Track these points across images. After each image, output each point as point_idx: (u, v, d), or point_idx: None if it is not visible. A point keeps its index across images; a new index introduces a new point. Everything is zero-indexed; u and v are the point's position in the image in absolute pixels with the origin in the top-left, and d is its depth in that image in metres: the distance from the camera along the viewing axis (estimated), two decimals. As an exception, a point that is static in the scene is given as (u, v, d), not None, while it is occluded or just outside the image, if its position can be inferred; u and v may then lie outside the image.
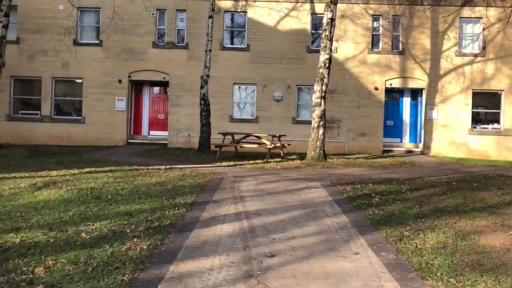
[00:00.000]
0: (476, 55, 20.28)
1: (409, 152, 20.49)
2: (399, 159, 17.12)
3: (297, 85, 20.47)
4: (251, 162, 14.03)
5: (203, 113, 16.29)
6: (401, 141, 21.38)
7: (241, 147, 15.54)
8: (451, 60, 20.30)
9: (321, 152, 14.90)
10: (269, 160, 14.38)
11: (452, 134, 20.19)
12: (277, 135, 14.96)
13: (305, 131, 19.67)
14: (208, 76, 16.57)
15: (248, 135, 15.38)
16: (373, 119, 20.32)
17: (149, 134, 21.37)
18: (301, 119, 20.54)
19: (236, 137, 15.84)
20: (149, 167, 11.87)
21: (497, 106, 20.47)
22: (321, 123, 14.97)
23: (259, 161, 14.35)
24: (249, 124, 20.39)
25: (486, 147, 20.04)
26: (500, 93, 20.26)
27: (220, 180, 9.87)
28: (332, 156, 16.47)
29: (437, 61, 20.34)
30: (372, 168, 14.04)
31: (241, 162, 13.85)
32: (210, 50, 16.79)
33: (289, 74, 20.34)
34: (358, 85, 20.39)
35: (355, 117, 20.33)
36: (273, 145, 14.36)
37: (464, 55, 20.33)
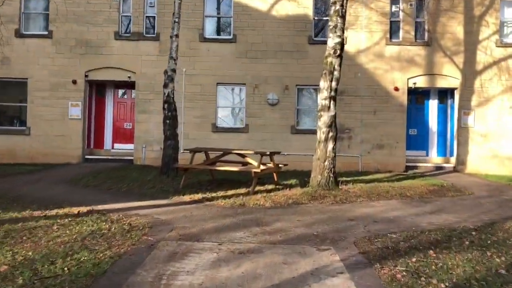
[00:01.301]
0: (522, 46, 15.52)
1: (439, 168, 15.65)
2: (432, 181, 12.30)
3: (296, 86, 15.70)
4: (229, 193, 9.24)
5: (167, 121, 11.47)
6: (427, 155, 16.55)
7: (214, 170, 10.72)
8: (491, 52, 15.50)
9: (331, 175, 10.09)
10: (256, 189, 9.60)
11: (494, 146, 15.36)
12: (269, 152, 10.12)
13: (307, 143, 14.92)
14: (174, 71, 11.75)
15: (225, 152, 10.54)
16: (392, 127, 15.52)
17: (113, 148, 16.58)
18: (302, 127, 15.75)
19: (212, 154, 11.03)
20: (59, 210, 7.10)
21: (550, 109, 15.67)
22: (331, 134, 10.18)
23: (242, 190, 9.57)
24: (237, 135, 15.61)
25: (537, 161, 15.24)
26: (554, 93, 15.47)
27: (146, 252, 4.97)
28: (345, 179, 11.68)
29: (473, 53, 15.55)
30: (407, 200, 9.21)
31: (213, 194, 9.04)
32: (177, 36, 12.00)
33: (287, 72, 15.58)
34: (374, 84, 15.61)
35: (370, 125, 15.54)
36: (261, 167, 9.50)
37: (507, 45, 15.53)
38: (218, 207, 7.81)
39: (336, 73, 10.26)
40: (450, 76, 15.53)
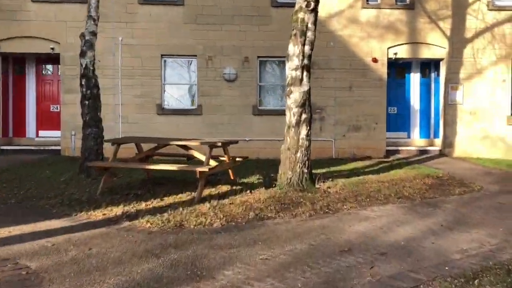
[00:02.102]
0: (517, 9, 13.24)
1: (423, 152, 13.34)
2: (424, 170, 9.91)
3: (258, 57, 12.92)
4: (165, 201, 6.46)
5: (86, 102, 8.41)
6: (409, 137, 14.20)
7: (144, 169, 7.88)
8: (483, 16, 13.15)
9: (305, 171, 7.46)
10: (205, 194, 6.87)
11: (485, 125, 13.14)
12: (220, 142, 7.31)
13: (272, 126, 12.33)
14: (94, 34, 8.65)
15: (160, 144, 7.62)
16: (371, 105, 13.03)
17: (37, 136, 13.37)
18: (266, 107, 13.06)
19: (146, 146, 8.14)
20: None
21: (546, 82, 13.55)
22: (304, 116, 7.51)
23: (185, 196, 6.82)
24: (188, 118, 12.75)
25: (532, 142, 13.16)
26: (550, 63, 13.34)
27: None
28: (320, 171, 9.11)
29: (462, 18, 13.17)
30: (407, 203, 6.67)
31: (141, 206, 6.21)
32: (97, -13, 8.91)
33: (246, 41, 12.77)
34: (348, 55, 13.02)
35: (344, 103, 12.99)
36: (211, 164, 6.71)
37: (501, 8, 13.19)
38: (141, 232, 5.02)
39: (310, 34, 7.54)
40: (435, 45, 13.10)
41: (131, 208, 6.09)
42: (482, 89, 13.07)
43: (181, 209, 5.95)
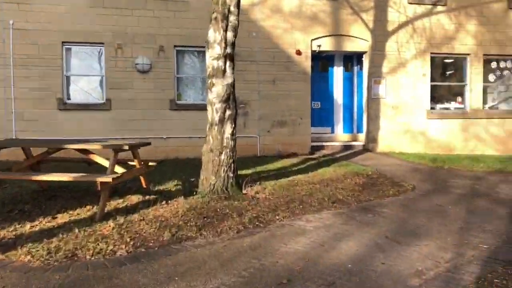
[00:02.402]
0: (434, 3, 13.19)
1: (347, 147, 12.96)
2: (352, 167, 9.37)
3: (175, 46, 11.69)
4: (59, 219, 5.15)
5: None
6: (333, 132, 13.78)
7: (30, 180, 6.47)
8: (404, 9, 12.99)
9: (231, 175, 6.49)
10: (110, 208, 5.65)
11: (406, 119, 13.04)
12: (127, 146, 6.04)
13: (193, 122, 11.28)
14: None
15: (51, 149, 6.18)
16: (295, 99, 12.37)
17: None
18: (185, 102, 11.89)
19: (34, 151, 6.65)
20: None
21: (461, 77, 13.74)
22: (228, 112, 6.53)
23: (85, 211, 5.56)
24: (95, 114, 11.22)
25: (449, 135, 13.25)
26: (465, 58, 13.51)
27: None
28: (246, 172, 8.22)
29: (384, 10, 12.91)
30: (343, 208, 5.95)
31: (25, 228, 4.87)
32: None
33: (162, 28, 11.49)
34: (272, 47, 12.23)
35: (269, 98, 12.20)
36: (112, 175, 5.44)
37: (420, 2, 13.11)
38: (15, 271, 3.74)
39: (232, 18, 6.54)
40: (358, 37, 12.72)
41: (11, 232, 4.73)
42: (404, 83, 12.94)
43: (76, 230, 4.71)
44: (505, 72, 13.77)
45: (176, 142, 11.42)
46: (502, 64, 13.68)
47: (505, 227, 5.22)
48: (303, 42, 12.35)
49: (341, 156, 11.41)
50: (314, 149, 12.52)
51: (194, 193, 6.45)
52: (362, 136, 13.23)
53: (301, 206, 6.01)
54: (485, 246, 4.51)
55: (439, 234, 4.91)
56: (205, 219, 5.29)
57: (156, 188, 6.94)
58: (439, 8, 13.09)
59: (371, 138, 12.83)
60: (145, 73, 11.34)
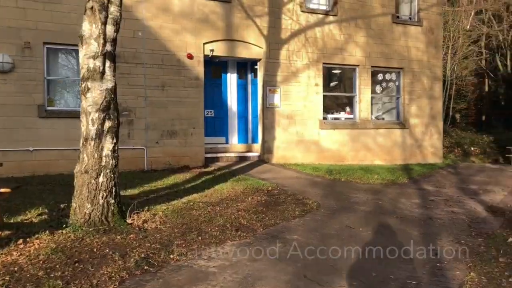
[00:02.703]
0: (326, 13, 13.12)
1: (242, 158, 12.23)
2: (250, 182, 8.58)
3: (45, 43, 9.88)
4: None
5: None
6: (227, 142, 12.97)
7: None
8: (297, 17, 12.68)
9: (112, 201, 5.24)
10: None
11: (300, 129, 12.72)
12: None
13: (67, 132, 9.67)
14: None
15: None
16: (187, 107, 11.30)
17: None
18: (58, 108, 10.13)
19: None
20: None
21: (351, 88, 13.87)
22: (108, 124, 5.27)
23: None
24: None
25: (340, 145, 13.24)
26: (355, 69, 13.66)
27: None
28: (131, 192, 6.98)
29: (278, 17, 12.47)
30: (249, 236, 5.06)
31: None
32: None
33: (28, 21, 9.64)
34: (161, 49, 11.04)
35: (157, 105, 10.97)
36: None
37: (313, 11, 12.94)
38: None
39: (114, 9, 5.33)
40: (253, 44, 12.11)
41: None
42: (297, 92, 12.62)
43: None
44: (390, 84, 14.25)
45: (46, 155, 9.64)
46: (387, 76, 14.12)
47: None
48: (194, 46, 11.36)
49: (238, 169, 10.62)
50: (209, 161, 11.57)
51: (64, 225, 5.09)
52: (257, 147, 12.62)
53: (200, 238, 5.00)
54: (414, 282, 3.95)
55: (360, 269, 4.26)
56: (77, 264, 4.03)
57: (12, 220, 5.40)
58: (331, 18, 13.05)
59: (267, 149, 12.27)
60: (6, 73, 9.40)
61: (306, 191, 8.07)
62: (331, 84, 13.64)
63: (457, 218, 6.42)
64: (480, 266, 4.34)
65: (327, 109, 13.33)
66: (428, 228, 5.85)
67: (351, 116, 13.69)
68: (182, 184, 8.43)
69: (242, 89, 13.06)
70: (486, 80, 31.06)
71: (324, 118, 13.13)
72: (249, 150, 12.75)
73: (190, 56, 11.30)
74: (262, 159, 12.21)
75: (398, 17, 14.26)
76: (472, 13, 26.86)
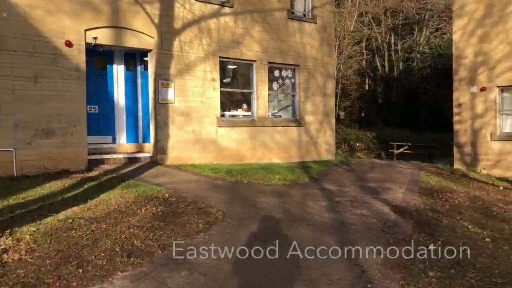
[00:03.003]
0: (222, 4, 12.34)
1: (132, 160, 10.94)
2: (143, 189, 7.50)
3: None
4: None
5: None
6: (114, 141, 11.55)
7: None
8: (190, 6, 11.70)
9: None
10: None
11: (196, 127, 11.80)
12: None
13: None
14: None
15: None
16: (66, 102, 9.70)
17: None
18: None
19: None
20: None
21: (248, 83, 13.30)
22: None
23: None
24: None
25: (238, 144, 12.61)
26: (252, 64, 13.10)
27: None
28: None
29: (170, 5, 11.37)
30: (143, 262, 4.17)
31: None
32: None
33: None
34: (32, 34, 9.30)
35: (29, 99, 9.24)
36: None
37: (207, 1, 12.04)
38: None
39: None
40: (143, 32, 10.87)
41: None
42: (193, 87, 11.68)
43: None
44: (286, 81, 13.98)
45: None
46: (283, 73, 13.82)
47: (349, 274, 4.26)
48: (74, 32, 9.81)
49: (128, 172, 9.39)
50: (93, 163, 10.12)
51: None
52: (149, 147, 11.44)
53: (80, 270, 3.91)
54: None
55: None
56: None
57: None
58: (227, 9, 12.32)
59: (160, 149, 11.16)
60: None
61: (208, 197, 7.24)
62: (228, 80, 12.94)
63: (369, 222, 6.11)
64: (414, 284, 3.92)
65: (224, 106, 12.61)
66: (344, 235, 5.42)
67: (249, 113, 13.14)
68: (59, 193, 7.05)
69: (131, 82, 11.76)
70: (367, 79, 33.06)
71: (222, 116, 12.39)
72: (140, 151, 11.53)
73: (69, 44, 9.73)
74: (155, 160, 11.08)
75: (293, 13, 14.02)
76: (356, 15, 28.22)
